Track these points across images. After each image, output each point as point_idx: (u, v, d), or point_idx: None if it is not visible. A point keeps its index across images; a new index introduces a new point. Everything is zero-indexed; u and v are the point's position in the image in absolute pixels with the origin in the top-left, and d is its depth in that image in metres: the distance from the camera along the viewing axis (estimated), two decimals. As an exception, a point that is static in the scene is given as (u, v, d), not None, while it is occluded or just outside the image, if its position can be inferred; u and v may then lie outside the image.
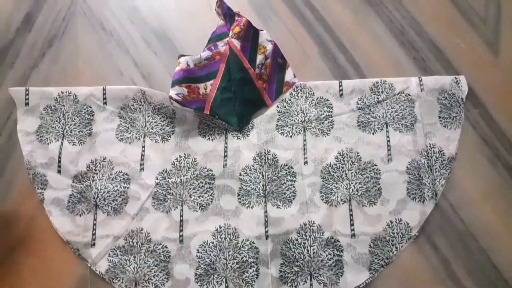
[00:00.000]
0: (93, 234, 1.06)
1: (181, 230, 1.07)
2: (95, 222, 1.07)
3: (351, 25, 1.23)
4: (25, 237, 1.06)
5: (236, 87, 1.14)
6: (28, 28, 1.20)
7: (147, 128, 1.14)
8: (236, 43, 1.14)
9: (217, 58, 1.16)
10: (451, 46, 1.22)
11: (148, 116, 1.14)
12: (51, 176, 1.09)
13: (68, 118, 1.13)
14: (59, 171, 1.10)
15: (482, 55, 1.21)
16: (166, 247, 1.06)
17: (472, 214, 1.09)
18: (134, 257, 1.05)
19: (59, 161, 1.10)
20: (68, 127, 1.13)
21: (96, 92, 1.15)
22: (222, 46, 1.17)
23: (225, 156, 1.12)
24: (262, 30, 1.19)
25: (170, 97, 1.11)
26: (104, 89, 1.15)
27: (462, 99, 1.15)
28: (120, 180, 1.10)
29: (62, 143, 1.11)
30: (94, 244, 1.06)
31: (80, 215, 1.07)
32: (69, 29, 1.21)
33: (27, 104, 1.13)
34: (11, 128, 1.12)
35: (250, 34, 1.17)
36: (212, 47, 1.17)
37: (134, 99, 1.15)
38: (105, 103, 1.15)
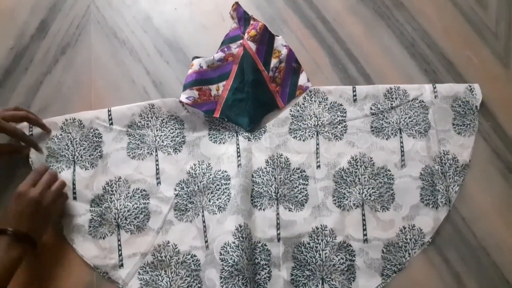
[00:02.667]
0: (120, 255, 1.04)
1: (205, 236, 1.05)
2: (119, 242, 1.05)
3: (362, 37, 1.24)
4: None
5: (249, 88, 1.14)
6: (42, 36, 1.21)
7: (158, 142, 1.13)
8: (252, 45, 1.16)
9: (230, 59, 1.17)
10: (462, 59, 1.22)
11: (157, 130, 1.14)
12: (67, 204, 1.07)
13: (76, 144, 1.12)
14: (74, 198, 1.08)
15: (494, 68, 1.21)
16: (195, 255, 1.04)
17: (484, 228, 1.07)
18: (165, 271, 1.03)
19: (74, 188, 1.08)
20: (78, 153, 1.11)
21: (101, 114, 1.14)
22: (235, 48, 1.18)
23: (238, 156, 1.11)
24: (278, 36, 1.21)
25: (180, 101, 1.12)
26: (109, 111, 1.14)
27: (476, 106, 1.15)
28: (139, 197, 1.09)
29: (74, 170, 1.10)
30: (122, 265, 1.04)
31: (104, 238, 1.05)
32: (83, 37, 1.22)
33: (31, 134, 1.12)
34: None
35: (265, 38, 1.19)
36: (225, 49, 1.18)
37: (141, 116, 1.14)
38: (111, 123, 1.14)
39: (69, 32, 1.22)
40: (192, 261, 1.04)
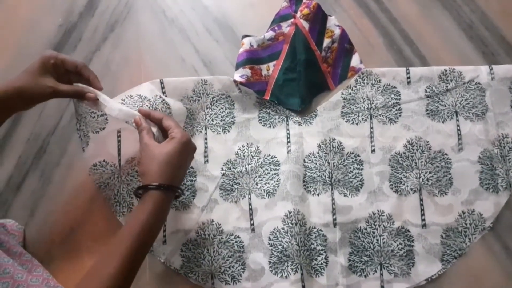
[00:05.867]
0: (164, 231, 1.04)
1: (251, 219, 1.05)
2: None
3: (417, 18, 1.21)
4: (85, 219, 1.04)
5: (301, 68, 1.12)
6: (91, 13, 1.20)
7: (208, 120, 1.12)
8: (305, 24, 1.13)
9: (281, 38, 1.15)
10: (522, 42, 1.18)
11: (207, 108, 1.12)
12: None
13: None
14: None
15: (555, 52, 1.17)
16: (238, 237, 1.04)
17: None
18: (208, 250, 1.03)
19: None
20: None
21: (154, 86, 1.09)
22: (286, 27, 1.16)
23: (288, 142, 1.09)
24: (330, 16, 1.18)
25: (235, 81, 1.10)
26: (162, 83, 1.11)
27: (536, 88, 1.12)
28: (187, 174, 1.07)
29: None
30: (165, 241, 1.04)
31: None
32: (131, 15, 1.20)
33: None
34: (72, 111, 1.10)
35: (318, 17, 1.16)
36: (276, 28, 1.16)
37: (194, 91, 1.12)
38: (165, 96, 1.09)
39: (117, 9, 1.20)
40: (236, 242, 1.04)
